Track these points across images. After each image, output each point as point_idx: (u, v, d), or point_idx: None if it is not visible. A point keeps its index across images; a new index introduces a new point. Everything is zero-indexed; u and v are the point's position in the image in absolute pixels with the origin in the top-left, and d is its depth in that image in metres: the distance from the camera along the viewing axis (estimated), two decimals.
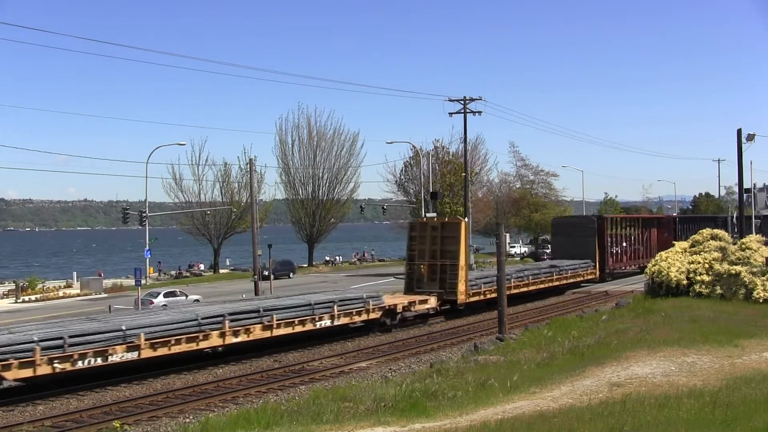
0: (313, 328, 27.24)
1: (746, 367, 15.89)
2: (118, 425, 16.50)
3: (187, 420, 17.40)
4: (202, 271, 72.74)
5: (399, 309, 31.09)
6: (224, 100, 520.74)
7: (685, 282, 30.38)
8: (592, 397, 13.43)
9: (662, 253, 33.07)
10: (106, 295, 53.48)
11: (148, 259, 51.60)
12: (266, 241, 50.51)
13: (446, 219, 38.98)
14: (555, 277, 43.03)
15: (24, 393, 19.64)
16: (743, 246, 31.27)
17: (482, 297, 35.39)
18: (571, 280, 44.90)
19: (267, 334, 25.60)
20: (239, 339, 24.70)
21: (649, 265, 32.76)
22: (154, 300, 38.40)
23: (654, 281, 31.62)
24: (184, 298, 40.33)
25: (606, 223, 50.85)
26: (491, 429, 11.09)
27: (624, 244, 54.30)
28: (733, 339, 19.20)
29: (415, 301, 32.35)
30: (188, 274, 70.47)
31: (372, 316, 29.68)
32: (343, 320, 28.48)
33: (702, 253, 31.34)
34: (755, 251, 30.49)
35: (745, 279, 29.08)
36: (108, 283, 60.40)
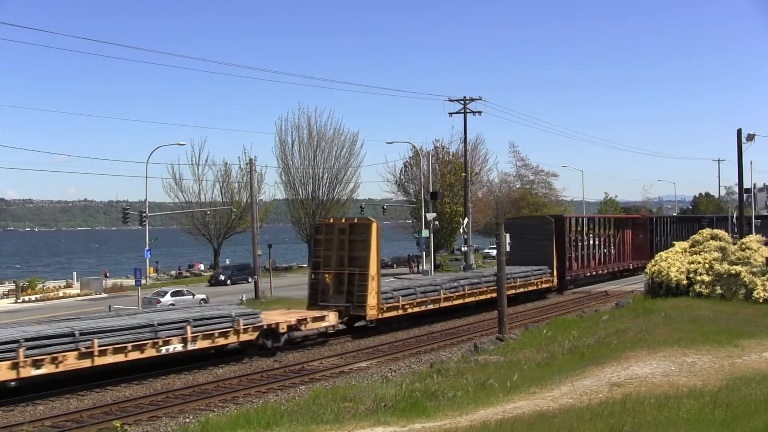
0: (157, 354, 22.12)
1: (746, 367, 15.89)
2: (118, 425, 16.50)
3: (187, 420, 17.39)
4: (201, 271, 72.81)
5: (283, 328, 25.77)
6: (224, 100, 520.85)
7: (685, 282, 30.39)
8: (592, 397, 13.43)
9: (662, 253, 33.09)
10: (106, 295, 53.51)
11: (148, 260, 51.65)
12: (266, 241, 50.53)
13: (356, 219, 32.12)
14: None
15: (24, 393, 19.62)
16: (743, 246, 31.29)
17: (401, 311, 30.59)
18: (521, 290, 39.02)
19: (86, 363, 20.43)
20: (42, 371, 19.53)
21: (649, 265, 32.77)
22: (161, 299, 38.45)
23: (654, 281, 31.64)
24: (191, 297, 40.38)
25: (567, 224, 45.40)
26: (491, 429, 11.09)
27: (591, 248, 49.95)
28: (733, 339, 19.21)
29: (306, 318, 26.88)
30: (188, 274, 70.52)
31: (245, 337, 24.60)
32: (203, 343, 23.45)
33: (702, 253, 31.36)
34: (755, 251, 30.51)
35: (745, 279, 29.10)
36: (108, 283, 60.46)
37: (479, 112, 57.00)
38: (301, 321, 26.64)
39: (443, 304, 33.06)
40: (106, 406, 18.77)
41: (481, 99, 56.86)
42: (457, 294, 34.15)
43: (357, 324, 29.86)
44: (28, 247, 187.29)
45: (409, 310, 31.16)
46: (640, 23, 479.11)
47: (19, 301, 49.67)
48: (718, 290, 29.52)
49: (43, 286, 57.29)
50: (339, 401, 14.88)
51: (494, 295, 33.80)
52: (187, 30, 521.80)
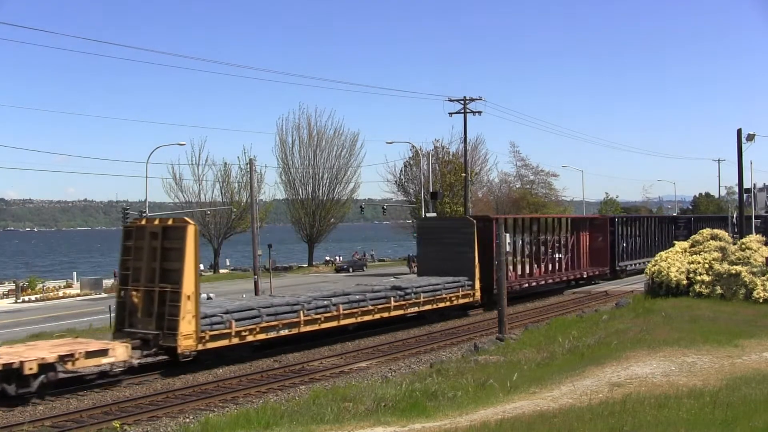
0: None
1: (746, 367, 15.90)
2: (118, 425, 16.50)
3: (187, 420, 17.40)
4: (201, 271, 72.74)
5: (32, 369, 18.92)
6: (224, 100, 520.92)
7: (685, 282, 30.39)
8: (592, 397, 13.43)
9: (662, 253, 33.06)
10: (106, 295, 53.47)
11: None
12: (266, 240, 50.55)
13: (170, 221, 24.51)
14: (394, 303, 30.20)
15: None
16: (743, 246, 31.29)
17: (237, 340, 24.00)
18: (427, 307, 32.09)
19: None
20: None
21: (649, 265, 32.76)
22: None
23: (654, 281, 31.64)
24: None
25: (495, 226, 35.87)
26: (491, 429, 11.09)
27: (535, 254, 43.01)
28: (733, 339, 19.22)
29: (74, 354, 19.98)
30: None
31: None
32: None
33: (702, 253, 31.36)
34: (755, 251, 30.52)
35: (745, 279, 29.10)
36: (108, 283, 60.41)
37: (479, 112, 57.02)
38: (66, 357, 19.70)
39: (305, 329, 26.40)
40: (106, 406, 18.77)
41: (481, 99, 56.88)
42: (327, 315, 27.24)
43: (179, 358, 22.42)
44: (29, 248, 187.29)
45: (250, 338, 24.48)
46: (640, 23, 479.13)
47: (18, 301, 49.65)
48: (718, 290, 29.52)
49: (43, 286, 57.27)
50: (339, 401, 14.89)
51: (384, 315, 29.66)
52: (187, 30, 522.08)
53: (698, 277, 30.12)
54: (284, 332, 25.88)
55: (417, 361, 23.75)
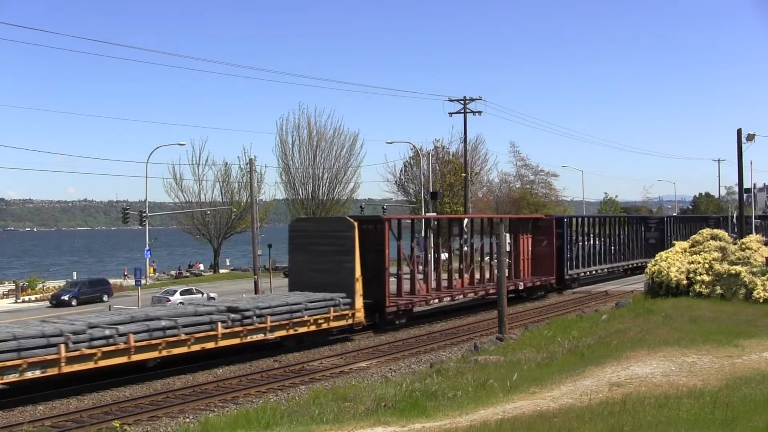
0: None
1: (746, 367, 15.89)
2: (118, 425, 16.51)
3: (187, 420, 17.41)
4: (201, 271, 72.75)
5: None
6: (224, 100, 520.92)
7: (685, 282, 30.38)
8: (592, 397, 13.43)
9: (662, 253, 33.03)
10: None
11: (148, 259, 51.63)
12: (266, 240, 50.53)
13: None
14: (224, 330, 23.56)
15: (24, 393, 19.62)
16: (743, 246, 31.28)
17: None
18: (280, 333, 25.64)
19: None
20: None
21: (649, 265, 32.73)
22: (171, 298, 38.39)
23: (654, 281, 31.62)
24: (200, 296, 40.18)
25: (389, 228, 30.73)
26: (491, 429, 11.09)
27: (447, 261, 37.20)
28: (733, 339, 19.20)
29: None
30: (188, 273, 70.49)
31: None
32: None
33: (702, 253, 31.34)
34: (755, 251, 30.50)
35: (745, 279, 29.09)
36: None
37: (479, 112, 57.10)
38: None
39: (72, 368, 19.93)
40: (106, 406, 18.78)
41: (481, 99, 56.96)
42: (107, 349, 20.58)
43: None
44: (30, 247, 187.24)
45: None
46: (641, 23, 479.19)
47: (18, 301, 49.65)
48: (718, 290, 29.50)
49: (43, 286, 57.26)
50: (339, 401, 14.89)
51: (207, 345, 23.18)
52: (188, 30, 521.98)
53: (698, 277, 30.11)
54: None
55: (417, 361, 23.76)
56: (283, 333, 25.75)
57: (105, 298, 46.74)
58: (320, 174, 74.57)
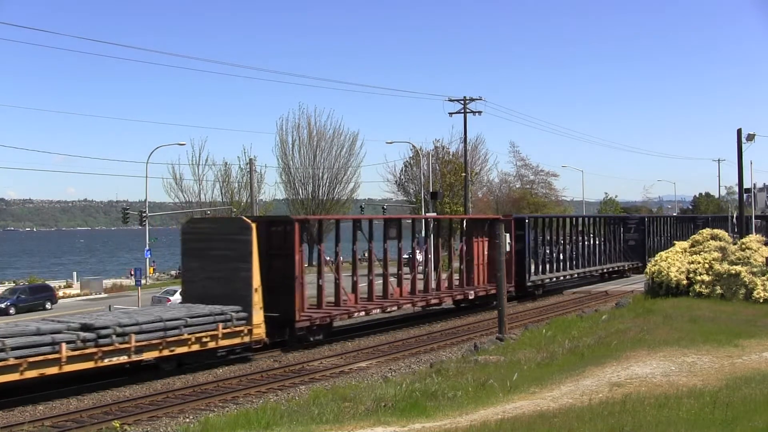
0: None
1: (746, 367, 15.90)
2: (117, 425, 16.51)
3: (187, 420, 17.41)
4: None
5: None
6: (224, 100, 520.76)
7: (685, 282, 30.39)
8: (592, 397, 13.44)
9: (662, 253, 33.04)
10: (105, 295, 53.56)
11: (148, 259, 51.64)
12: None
13: None
14: (69, 353, 19.80)
15: (24, 393, 19.63)
16: (743, 246, 31.29)
17: None
18: (151, 354, 21.97)
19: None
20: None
21: (649, 265, 32.75)
22: (171, 298, 38.37)
23: (654, 281, 31.63)
24: None
25: (298, 230, 26.68)
26: (491, 429, 11.10)
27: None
28: (733, 339, 19.21)
29: None
30: None
31: None
32: None
33: (702, 253, 31.35)
34: (755, 251, 30.51)
35: (745, 279, 29.10)
36: (108, 283, 60.51)
37: (479, 112, 57.07)
38: None
39: None
40: (106, 406, 18.78)
41: (481, 99, 56.93)
42: None
43: None
44: (32, 247, 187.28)
45: None
46: (641, 23, 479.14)
47: None
48: (718, 290, 29.52)
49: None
50: (339, 401, 14.89)
51: (46, 371, 19.42)
52: (187, 30, 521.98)
53: (698, 277, 30.12)
54: None
55: (417, 361, 23.76)
56: (154, 354, 21.94)
57: (48, 305, 44.36)
58: (320, 174, 74.66)
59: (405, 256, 36.12)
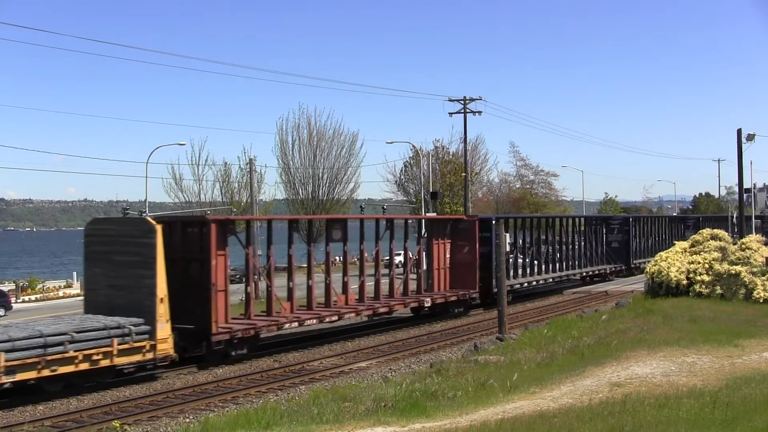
0: None
1: (746, 367, 15.90)
2: (117, 425, 16.50)
3: (187, 420, 17.41)
4: None
5: None
6: (224, 100, 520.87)
7: (685, 282, 30.40)
8: (592, 397, 13.44)
9: (662, 253, 33.04)
10: None
11: None
12: (265, 241, 50.49)
13: None
14: None
15: (24, 393, 19.63)
16: (743, 246, 31.29)
17: None
18: (23, 376, 18.76)
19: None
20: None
21: (649, 265, 32.75)
22: None
23: (654, 281, 31.64)
24: None
25: (215, 232, 23.82)
26: (491, 429, 11.10)
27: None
28: (733, 339, 19.22)
29: None
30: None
31: None
32: None
33: (702, 253, 31.36)
34: (755, 251, 30.52)
35: (745, 279, 29.11)
36: None
37: (479, 112, 57.07)
38: None
39: None
40: (106, 406, 18.78)
41: (481, 99, 56.93)
42: None
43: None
44: (32, 247, 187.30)
45: None
46: (641, 23, 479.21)
47: (18, 301, 49.68)
48: (718, 290, 29.52)
49: (43, 286, 57.33)
50: (339, 401, 14.89)
51: None
52: (187, 30, 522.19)
53: (698, 277, 30.12)
54: None
55: (417, 361, 23.76)
56: (32, 375, 18.87)
57: (1, 312, 41.22)
58: (320, 174, 74.62)
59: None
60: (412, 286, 33.72)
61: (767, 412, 10.84)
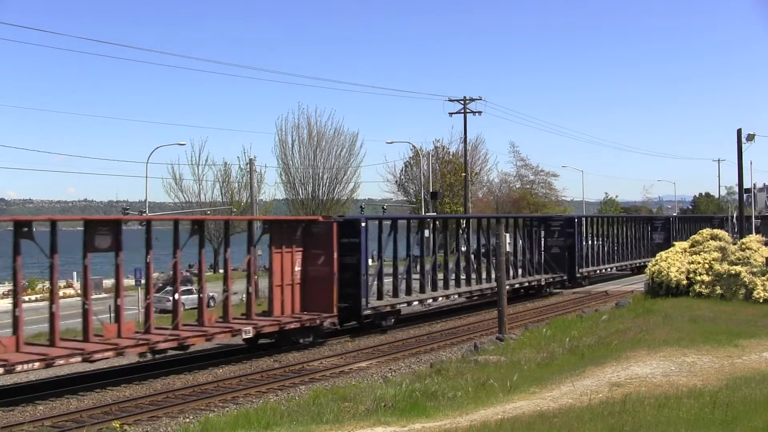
0: None
1: (746, 367, 15.90)
2: (117, 425, 16.50)
3: (187, 420, 17.40)
4: None
5: None
6: (224, 100, 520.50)
7: (685, 282, 30.41)
8: (592, 397, 13.44)
9: (662, 253, 33.05)
10: (105, 295, 53.50)
11: None
12: (265, 241, 50.43)
13: None
14: None
15: (24, 393, 19.64)
16: (743, 246, 31.30)
17: None
18: None
19: None
20: None
21: (650, 265, 32.75)
22: (171, 297, 38.26)
23: (654, 281, 31.65)
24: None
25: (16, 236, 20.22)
26: (491, 429, 11.09)
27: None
28: (733, 339, 19.22)
29: None
30: (188, 274, 70.56)
31: None
32: None
33: (702, 253, 31.37)
34: (755, 251, 30.53)
35: (745, 279, 29.12)
36: (108, 283, 60.45)
37: (479, 112, 57.24)
38: None
39: None
40: (106, 406, 18.78)
41: (481, 99, 57.10)
42: None
43: None
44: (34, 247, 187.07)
45: None
46: (640, 24, 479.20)
47: None
48: (718, 290, 29.53)
49: (43, 286, 57.28)
50: (339, 401, 14.89)
51: None
52: (187, 30, 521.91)
53: (698, 277, 30.13)
54: None
55: (417, 361, 23.76)
56: None
57: None
58: (320, 174, 74.65)
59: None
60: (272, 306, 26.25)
61: (767, 412, 10.84)
